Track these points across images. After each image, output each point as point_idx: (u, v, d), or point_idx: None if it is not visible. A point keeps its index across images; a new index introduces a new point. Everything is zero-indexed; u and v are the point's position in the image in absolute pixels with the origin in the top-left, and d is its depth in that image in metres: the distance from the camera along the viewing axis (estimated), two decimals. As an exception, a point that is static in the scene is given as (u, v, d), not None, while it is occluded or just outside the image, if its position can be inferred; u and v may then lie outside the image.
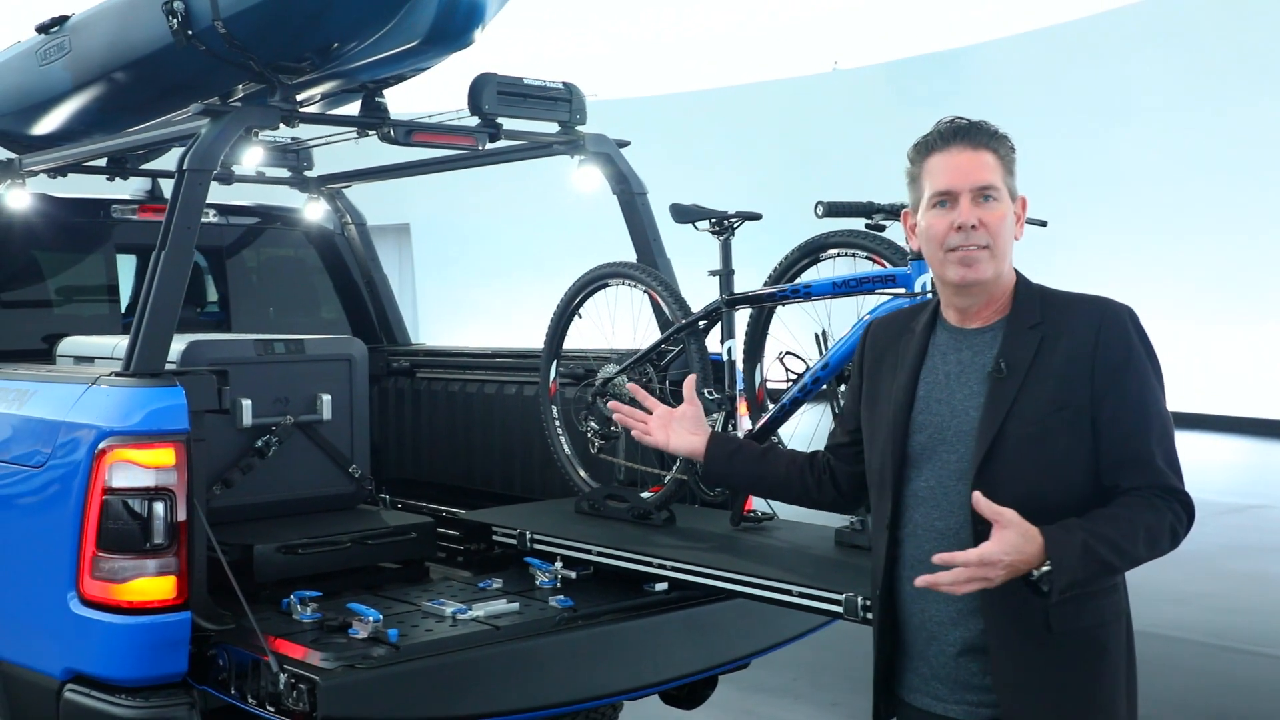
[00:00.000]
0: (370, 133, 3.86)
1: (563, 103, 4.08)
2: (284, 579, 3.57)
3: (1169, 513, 2.18)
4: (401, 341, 5.56)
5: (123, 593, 3.12)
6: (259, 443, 3.89)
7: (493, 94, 3.88)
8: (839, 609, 2.88)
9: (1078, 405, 2.19)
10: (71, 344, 4.34)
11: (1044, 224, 3.06)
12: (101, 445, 3.12)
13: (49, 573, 3.25)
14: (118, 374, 3.25)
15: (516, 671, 3.07)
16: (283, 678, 2.89)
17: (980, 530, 2.11)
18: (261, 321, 5.42)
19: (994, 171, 2.22)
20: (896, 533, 2.29)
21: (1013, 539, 2.04)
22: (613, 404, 3.11)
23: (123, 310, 5.11)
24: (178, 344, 3.81)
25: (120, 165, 4.95)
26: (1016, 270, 2.30)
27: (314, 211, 5.47)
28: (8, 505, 3.47)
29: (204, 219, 5.32)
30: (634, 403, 2.95)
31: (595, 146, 4.20)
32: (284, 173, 5.38)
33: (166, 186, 5.21)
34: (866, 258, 3.30)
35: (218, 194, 5.32)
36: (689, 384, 2.84)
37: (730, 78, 20.97)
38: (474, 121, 3.94)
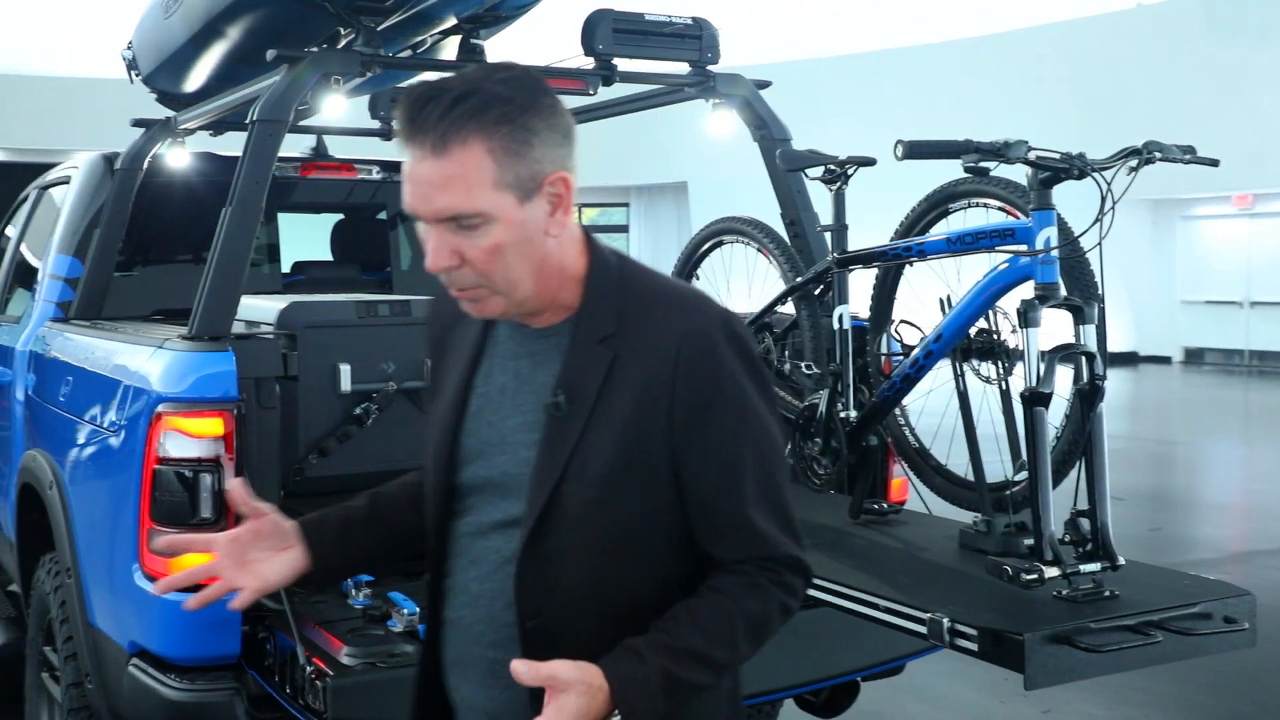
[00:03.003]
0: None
1: (691, 40, 3.65)
2: (364, 558, 3.35)
3: (776, 589, 1.68)
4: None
5: (174, 567, 2.96)
6: (358, 410, 3.68)
7: (608, 31, 3.50)
8: (922, 629, 2.37)
9: (652, 458, 1.64)
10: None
11: (1215, 163, 2.41)
12: (156, 411, 2.98)
13: (119, 541, 3.16)
14: (183, 336, 3.10)
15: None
16: (308, 670, 2.66)
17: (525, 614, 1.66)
18: (428, 282, 5.26)
19: (472, 185, 1.55)
20: (439, 583, 1.81)
21: (572, 706, 1.53)
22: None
23: (283, 271, 5.06)
24: (278, 304, 3.66)
25: (272, 122, 4.86)
26: (593, 245, 1.71)
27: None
28: (92, 467, 3.41)
29: (367, 175, 5.27)
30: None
31: (730, 89, 3.75)
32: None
33: (332, 143, 5.16)
34: (999, 208, 2.72)
35: (379, 149, 5.22)
36: (237, 490, 2.01)
37: (1020, 20, 19.62)
38: (590, 65, 3.58)
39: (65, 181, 4.91)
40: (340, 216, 5.45)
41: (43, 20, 18.25)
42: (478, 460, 1.75)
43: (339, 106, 3.50)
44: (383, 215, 5.30)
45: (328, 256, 5.44)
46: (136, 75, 4.73)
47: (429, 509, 1.85)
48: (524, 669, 1.54)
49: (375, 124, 4.96)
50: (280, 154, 5.00)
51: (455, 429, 1.77)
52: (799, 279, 3.15)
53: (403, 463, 3.91)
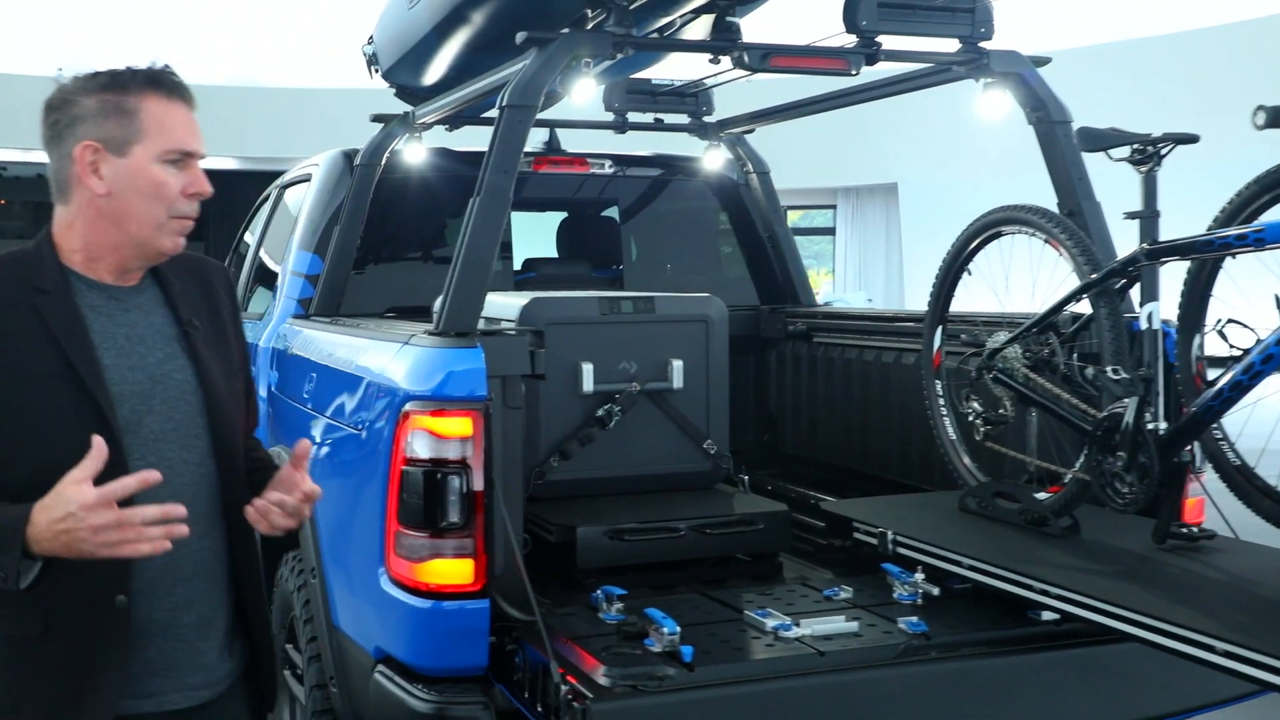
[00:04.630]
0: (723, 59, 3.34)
1: (963, 14, 3.34)
2: (610, 567, 3.18)
3: None
4: (806, 302, 5.02)
5: (421, 573, 2.85)
6: (600, 411, 3.52)
7: (872, 6, 3.23)
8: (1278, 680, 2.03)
9: (238, 363, 2.24)
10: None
11: None
12: (403, 410, 2.87)
13: (366, 543, 3.06)
14: (429, 332, 2.98)
15: (833, 712, 2.46)
16: (563, 689, 2.48)
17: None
18: (659, 279, 5.09)
19: None
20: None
21: None
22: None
23: (515, 268, 4.96)
24: (520, 300, 3.53)
25: (509, 116, 4.76)
26: None
27: (714, 160, 5.05)
28: (337, 466, 3.34)
29: (599, 170, 5.13)
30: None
31: (1004, 66, 3.42)
32: (681, 119, 4.99)
33: (565, 137, 5.03)
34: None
35: (614, 143, 5.08)
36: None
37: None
38: (852, 43, 3.32)
39: (306, 180, 4.93)
40: (567, 212, 5.33)
41: (270, 32, 19.02)
42: (131, 401, 2.04)
43: (588, 91, 3.34)
44: (613, 210, 5.14)
45: (552, 253, 5.32)
46: (376, 70, 4.70)
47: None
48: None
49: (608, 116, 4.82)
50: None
51: (98, 379, 2.01)
52: (1096, 274, 2.81)
53: (647, 467, 3.77)
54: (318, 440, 3.54)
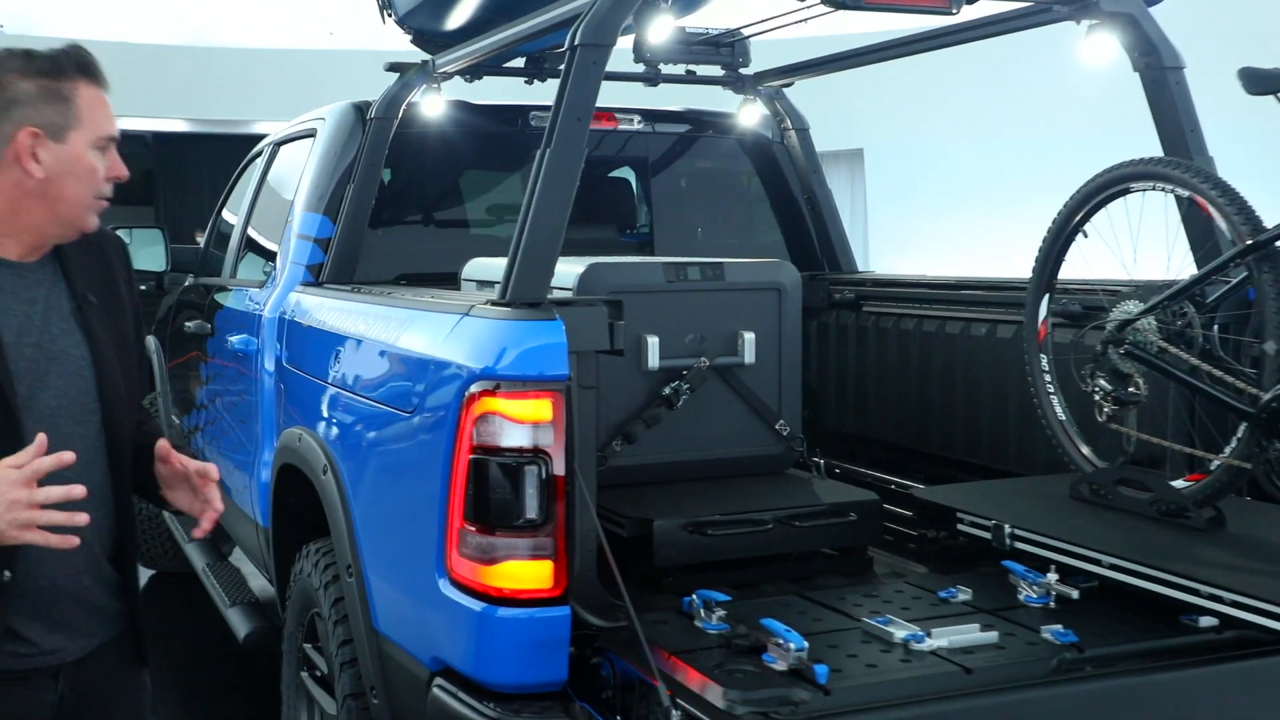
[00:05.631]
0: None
1: (1071, -53, 3.02)
2: (689, 565, 2.84)
3: None
4: (846, 269, 4.70)
5: (491, 576, 2.50)
6: (667, 390, 3.17)
7: (974, -63, 2.90)
8: None
9: (131, 336, 2.27)
10: (476, 266, 3.83)
11: None
12: (469, 391, 2.51)
13: (419, 541, 2.71)
14: (493, 303, 2.62)
15: (995, 740, 2.15)
16: (675, 714, 2.15)
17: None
18: (689, 244, 4.75)
19: None
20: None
21: None
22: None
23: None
24: (576, 267, 3.17)
25: (538, 65, 4.39)
26: None
27: (749, 116, 4.69)
28: (382, 453, 2.98)
29: (629, 125, 4.76)
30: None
31: (1114, 6, 3.10)
32: (715, 71, 4.63)
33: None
34: None
35: (645, 97, 4.71)
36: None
37: None
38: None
39: (308, 136, 4.52)
40: (592, 170, 4.96)
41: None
42: (28, 379, 2.08)
43: (666, 29, 2.98)
44: (641, 170, 4.78)
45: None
46: (389, 16, 4.31)
47: None
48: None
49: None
50: (532, 102, 4.61)
51: None
52: (1259, 236, 2.49)
53: (716, 451, 3.44)
54: (348, 421, 3.18)
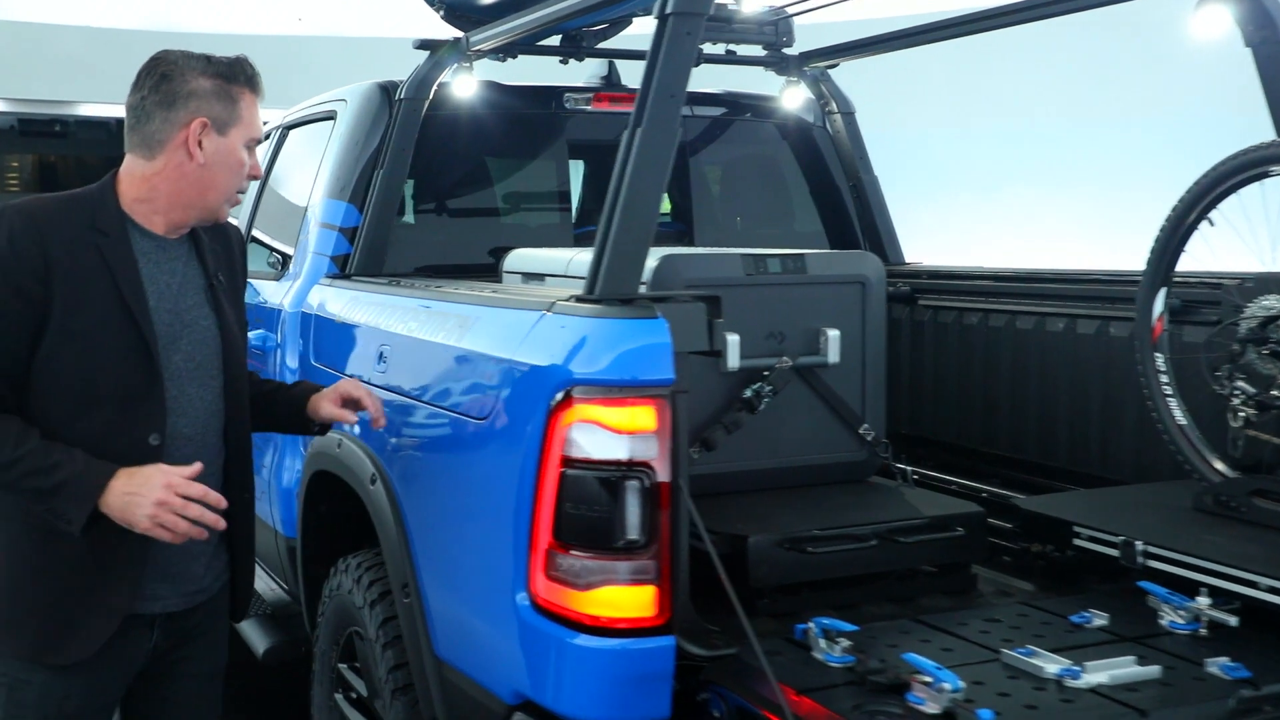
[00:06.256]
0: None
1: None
2: (785, 585, 2.60)
3: None
4: (893, 260, 4.46)
5: (585, 603, 2.25)
6: (748, 392, 2.93)
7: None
8: None
9: (245, 315, 2.56)
10: (521, 258, 3.57)
11: None
12: (559, 397, 2.25)
13: (495, 561, 2.45)
14: (580, 298, 2.37)
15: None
16: (812, 761, 1.91)
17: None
18: (727, 234, 4.50)
19: None
20: (161, 455, 2.27)
21: None
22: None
23: (573, 219, 4.34)
24: (648, 260, 2.91)
25: (575, 43, 4.12)
26: None
27: (792, 98, 4.45)
28: (445, 463, 2.72)
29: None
30: None
31: (1227, -23, 2.88)
32: (755, 51, 4.38)
33: (625, 70, 4.39)
34: None
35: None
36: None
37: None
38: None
39: (324, 119, 4.24)
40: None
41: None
42: (165, 339, 2.33)
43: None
44: (678, 155, 4.52)
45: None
46: (420, -10, 4.04)
47: (134, 389, 2.30)
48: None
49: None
50: (566, 84, 4.34)
51: (146, 316, 2.30)
52: None
53: (794, 457, 3.20)
54: (400, 426, 2.91)
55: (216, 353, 2.39)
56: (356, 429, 2.88)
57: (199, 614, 2.47)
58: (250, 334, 4.12)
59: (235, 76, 2.34)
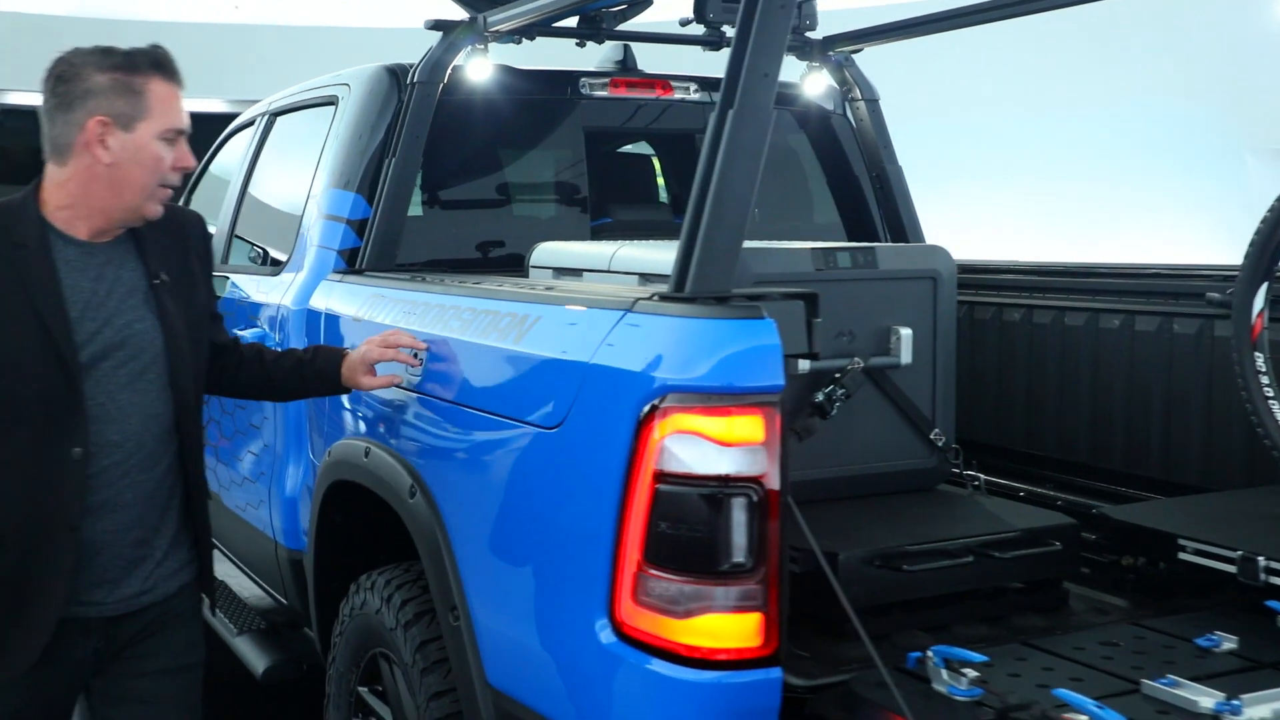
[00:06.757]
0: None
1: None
2: (875, 606, 2.40)
3: None
4: (920, 254, 4.28)
5: (683, 632, 2.04)
6: (819, 396, 2.73)
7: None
8: None
9: (204, 307, 2.52)
10: (550, 252, 3.34)
11: None
12: (652, 405, 2.04)
13: (567, 583, 2.24)
14: (665, 296, 2.15)
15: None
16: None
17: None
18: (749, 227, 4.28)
19: None
20: (87, 466, 2.26)
21: None
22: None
23: (590, 211, 4.11)
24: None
25: (595, 24, 3.90)
26: None
27: (814, 85, 4.26)
28: (506, 476, 2.48)
29: (685, 95, 4.30)
30: None
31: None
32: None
33: (641, 53, 4.18)
34: None
35: (700, 63, 4.25)
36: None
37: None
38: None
39: (326, 103, 3.98)
40: (645, 144, 4.49)
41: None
42: (91, 347, 2.29)
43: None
44: (694, 144, 4.31)
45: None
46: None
47: (50, 398, 2.27)
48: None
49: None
50: (580, 68, 4.12)
51: (66, 327, 2.27)
52: None
53: (863, 465, 3.00)
54: (447, 436, 2.68)
55: (155, 357, 2.34)
56: (415, 377, 2.76)
57: (152, 612, 2.44)
58: (246, 332, 3.87)
59: (136, 66, 2.25)
